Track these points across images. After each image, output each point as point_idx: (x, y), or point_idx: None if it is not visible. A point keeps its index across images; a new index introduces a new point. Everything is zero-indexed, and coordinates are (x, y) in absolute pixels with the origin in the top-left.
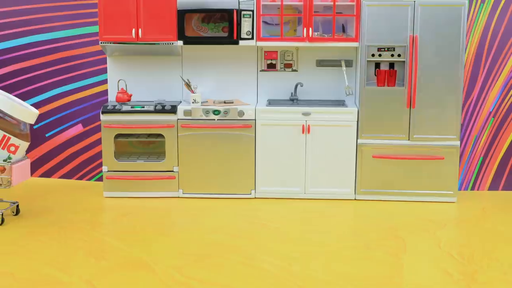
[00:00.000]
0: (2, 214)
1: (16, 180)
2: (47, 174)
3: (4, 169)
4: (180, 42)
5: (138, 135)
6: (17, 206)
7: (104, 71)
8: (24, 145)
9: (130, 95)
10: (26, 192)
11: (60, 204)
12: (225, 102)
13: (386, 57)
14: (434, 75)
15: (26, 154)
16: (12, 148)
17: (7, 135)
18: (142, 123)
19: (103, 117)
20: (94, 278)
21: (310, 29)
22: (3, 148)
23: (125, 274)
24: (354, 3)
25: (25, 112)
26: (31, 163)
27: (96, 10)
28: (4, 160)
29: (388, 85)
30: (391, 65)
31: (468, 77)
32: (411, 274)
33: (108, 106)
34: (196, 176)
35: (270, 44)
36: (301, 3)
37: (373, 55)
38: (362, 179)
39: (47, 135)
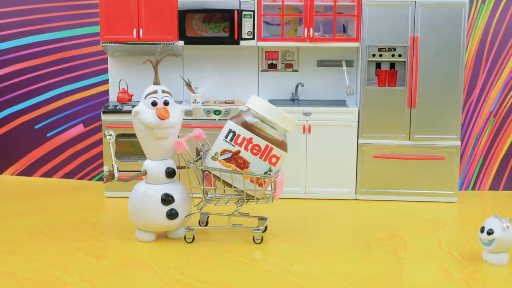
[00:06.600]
0: (259, 232)
1: (278, 194)
2: (48, 174)
3: (264, 182)
4: (181, 42)
5: None
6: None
7: (105, 71)
8: (284, 156)
9: (131, 95)
10: (27, 192)
11: (61, 204)
12: (226, 102)
13: (386, 57)
14: (435, 75)
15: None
16: (274, 160)
17: (270, 145)
18: None
19: (104, 117)
20: (95, 278)
21: (311, 29)
22: (264, 160)
23: (126, 274)
24: (354, 3)
25: (287, 119)
26: (32, 164)
27: (97, 10)
28: (265, 173)
29: (388, 85)
30: (392, 65)
31: (468, 77)
32: (411, 273)
33: (109, 106)
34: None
35: (271, 44)
36: (302, 3)
37: (373, 55)
38: (363, 179)
39: (48, 135)
